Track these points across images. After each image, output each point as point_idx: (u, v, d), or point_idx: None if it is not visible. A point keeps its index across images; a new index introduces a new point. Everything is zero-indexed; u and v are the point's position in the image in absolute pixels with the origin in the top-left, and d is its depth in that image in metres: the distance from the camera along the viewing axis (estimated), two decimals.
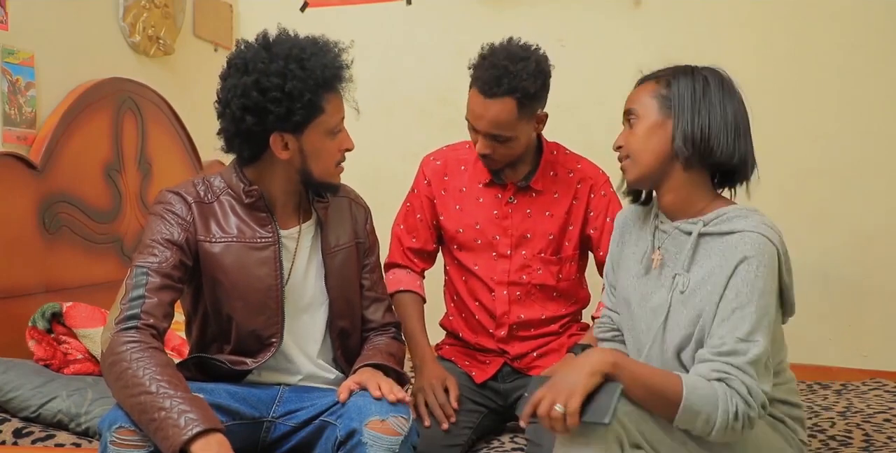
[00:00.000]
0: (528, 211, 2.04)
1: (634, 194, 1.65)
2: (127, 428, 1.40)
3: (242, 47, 1.63)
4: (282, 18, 3.44)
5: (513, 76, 1.87)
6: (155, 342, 1.49)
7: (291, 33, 1.65)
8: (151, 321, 1.50)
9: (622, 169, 1.60)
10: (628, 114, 1.58)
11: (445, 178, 2.11)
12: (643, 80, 1.61)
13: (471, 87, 1.95)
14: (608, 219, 2.04)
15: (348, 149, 1.69)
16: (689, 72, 1.56)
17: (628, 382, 1.37)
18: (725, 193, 1.60)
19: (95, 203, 2.42)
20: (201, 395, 1.45)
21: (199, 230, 1.62)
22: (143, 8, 2.72)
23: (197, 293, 1.67)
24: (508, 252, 2.04)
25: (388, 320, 1.85)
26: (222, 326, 1.66)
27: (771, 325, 1.44)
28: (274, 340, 1.66)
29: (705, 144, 1.49)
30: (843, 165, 2.89)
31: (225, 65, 1.64)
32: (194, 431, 1.34)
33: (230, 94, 1.58)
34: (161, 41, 2.83)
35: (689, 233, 1.52)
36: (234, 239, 1.64)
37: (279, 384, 1.69)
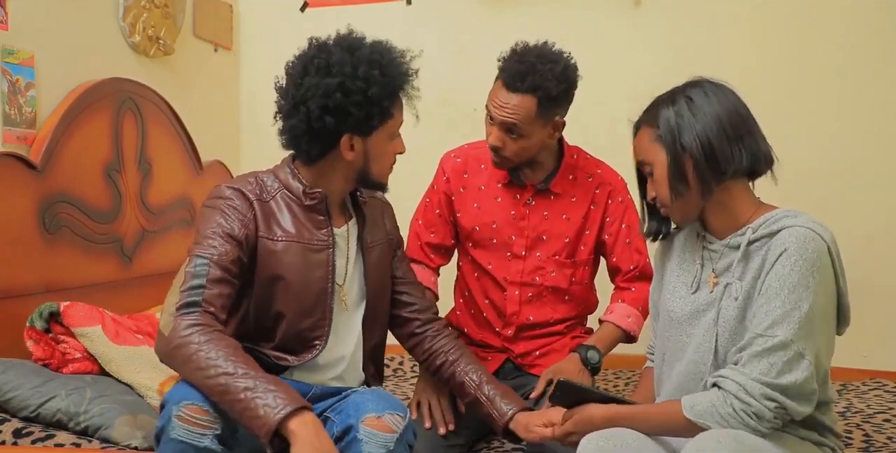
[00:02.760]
0: (546, 213, 2.04)
1: (654, 236, 1.64)
2: (199, 407, 1.40)
3: (317, 46, 1.66)
4: (282, 18, 3.46)
5: (538, 75, 1.88)
6: (218, 325, 1.49)
7: (359, 34, 1.70)
8: (211, 310, 1.50)
9: (665, 215, 1.58)
10: (642, 166, 1.56)
11: (465, 176, 2.12)
12: (637, 127, 1.57)
13: (497, 78, 1.96)
14: (623, 226, 2.06)
15: (400, 153, 1.75)
16: (669, 100, 1.52)
17: (633, 428, 1.45)
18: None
19: (95, 203, 2.42)
20: None
21: (260, 227, 1.63)
22: (143, 8, 2.72)
23: (242, 290, 1.66)
24: (523, 253, 2.05)
25: (429, 303, 1.91)
26: (267, 324, 1.66)
27: (805, 321, 1.37)
28: (318, 343, 1.67)
29: (713, 164, 1.47)
30: (843, 165, 2.89)
31: (298, 63, 1.65)
32: (288, 409, 1.35)
33: (309, 94, 1.59)
34: (161, 41, 2.83)
35: (739, 246, 1.49)
36: (294, 239, 1.65)
37: (312, 383, 1.69)
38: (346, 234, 1.73)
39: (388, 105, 1.64)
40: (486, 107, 1.96)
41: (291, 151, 1.73)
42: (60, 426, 1.83)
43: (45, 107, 2.32)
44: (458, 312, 2.18)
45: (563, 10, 3.11)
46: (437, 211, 2.15)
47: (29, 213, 2.16)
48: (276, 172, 1.72)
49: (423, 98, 3.20)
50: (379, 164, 1.70)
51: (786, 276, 1.39)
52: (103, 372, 2.02)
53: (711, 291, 1.53)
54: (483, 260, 2.08)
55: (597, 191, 2.06)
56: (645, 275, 2.06)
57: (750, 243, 1.48)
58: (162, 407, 1.44)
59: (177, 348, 1.44)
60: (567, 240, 2.04)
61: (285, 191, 1.68)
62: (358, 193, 1.77)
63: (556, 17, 3.10)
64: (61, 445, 1.77)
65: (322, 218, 1.69)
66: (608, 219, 2.06)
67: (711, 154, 1.46)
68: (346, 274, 1.72)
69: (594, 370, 1.97)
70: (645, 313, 2.03)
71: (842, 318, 1.48)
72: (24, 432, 1.78)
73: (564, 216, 2.05)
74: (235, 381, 1.38)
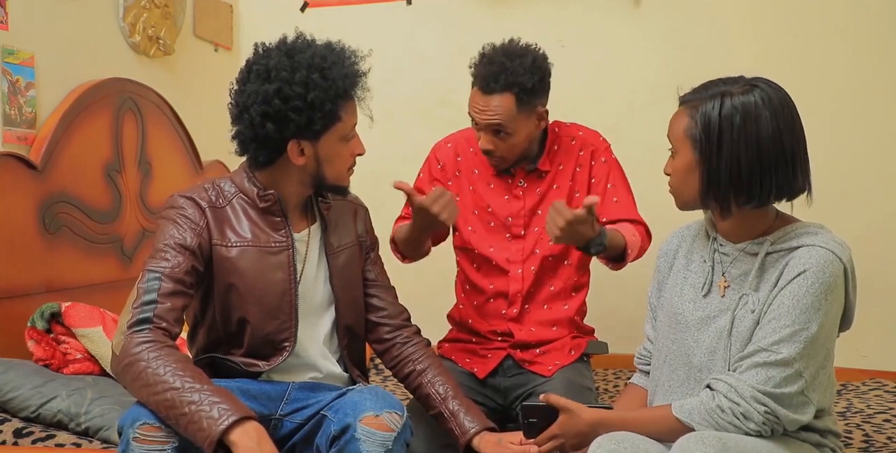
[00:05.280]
0: (539, 190, 2.09)
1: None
2: (151, 425, 1.41)
3: (262, 52, 1.64)
4: (282, 18, 3.45)
5: (510, 72, 1.92)
6: (169, 341, 1.50)
7: (308, 38, 1.66)
8: (164, 325, 1.51)
9: (671, 193, 1.54)
10: (669, 140, 1.51)
11: (458, 159, 2.16)
12: (682, 101, 1.50)
13: (472, 85, 2.01)
14: (609, 185, 2.09)
15: (360, 154, 1.72)
16: (717, 103, 1.42)
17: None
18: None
19: (95, 203, 2.42)
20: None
21: (213, 235, 1.63)
22: (143, 8, 2.72)
23: (206, 299, 1.67)
24: (522, 232, 2.09)
25: (401, 308, 1.88)
26: (233, 331, 1.67)
27: (810, 342, 1.38)
28: (287, 344, 1.67)
29: (736, 192, 1.42)
30: (843, 165, 2.89)
31: (244, 69, 1.64)
32: (230, 421, 1.36)
33: (250, 100, 1.59)
34: (161, 41, 2.83)
35: (756, 254, 1.47)
36: (250, 243, 1.65)
37: (289, 381, 1.70)
38: (306, 238, 1.72)
39: (333, 108, 1.60)
40: (469, 114, 2.01)
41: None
42: (61, 426, 1.83)
43: (45, 107, 2.31)
44: (460, 306, 2.20)
45: (563, 10, 3.11)
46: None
47: (29, 213, 2.16)
48: (232, 177, 1.71)
49: (423, 98, 3.25)
50: (334, 167, 1.67)
51: (800, 297, 1.39)
52: (104, 373, 2.03)
53: (723, 295, 1.51)
54: (484, 245, 2.10)
55: (581, 153, 2.10)
56: (644, 226, 2.08)
57: (767, 254, 1.46)
58: (119, 433, 1.45)
59: (127, 366, 1.45)
60: None
61: (241, 195, 1.68)
62: (320, 198, 1.75)
63: (556, 17, 3.11)
64: (62, 445, 1.77)
65: (278, 219, 1.68)
66: (594, 180, 2.10)
67: (739, 184, 1.42)
68: (306, 276, 1.70)
69: (600, 246, 1.88)
70: (642, 248, 2.02)
71: (844, 325, 1.48)
72: (24, 432, 1.78)
73: (555, 186, 2.09)
74: (181, 396, 1.39)
